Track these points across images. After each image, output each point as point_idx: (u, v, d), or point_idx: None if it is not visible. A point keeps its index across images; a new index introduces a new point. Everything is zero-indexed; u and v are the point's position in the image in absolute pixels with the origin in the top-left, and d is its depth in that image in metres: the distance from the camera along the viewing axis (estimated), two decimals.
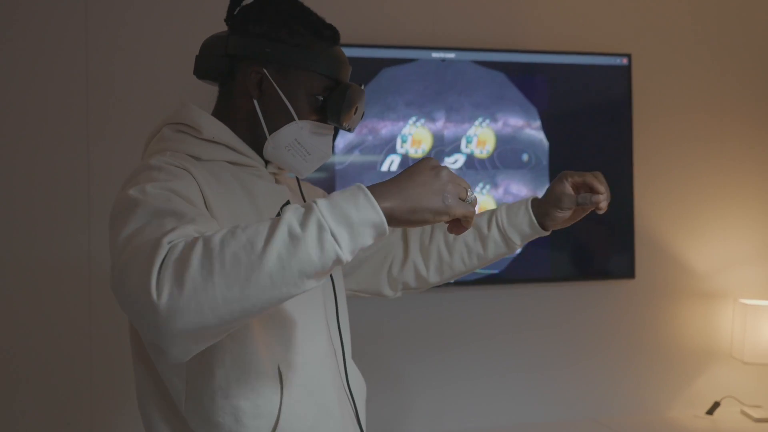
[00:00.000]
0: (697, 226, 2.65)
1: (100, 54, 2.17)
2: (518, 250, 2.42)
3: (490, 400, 2.47)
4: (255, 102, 1.18)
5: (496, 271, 2.40)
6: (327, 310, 1.26)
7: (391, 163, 2.34)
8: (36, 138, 2.13)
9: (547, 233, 1.32)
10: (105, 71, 2.18)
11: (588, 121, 2.51)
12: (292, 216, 0.83)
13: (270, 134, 1.18)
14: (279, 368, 1.11)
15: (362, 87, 1.24)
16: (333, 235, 0.82)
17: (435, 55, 2.36)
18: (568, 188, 1.25)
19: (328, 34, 1.19)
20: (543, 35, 2.52)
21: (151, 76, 2.20)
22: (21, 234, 2.12)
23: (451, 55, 2.37)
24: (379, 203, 0.85)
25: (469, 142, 2.39)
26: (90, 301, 2.15)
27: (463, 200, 0.91)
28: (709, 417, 2.55)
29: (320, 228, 0.81)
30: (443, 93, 2.36)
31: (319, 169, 2.26)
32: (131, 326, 1.16)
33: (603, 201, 1.22)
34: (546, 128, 2.45)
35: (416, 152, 2.36)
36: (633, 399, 2.60)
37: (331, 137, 1.23)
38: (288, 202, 1.24)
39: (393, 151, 2.35)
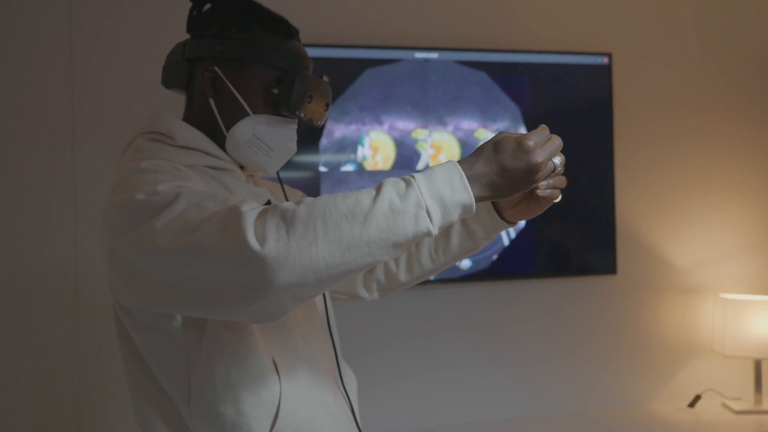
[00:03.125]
0: (677, 222, 2.69)
1: (84, 57, 2.17)
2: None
3: (475, 396, 2.49)
4: (211, 101, 1.18)
5: (486, 265, 2.43)
6: (318, 309, 1.28)
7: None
8: (21, 143, 2.13)
9: (510, 224, 1.28)
10: (90, 75, 2.18)
11: (569, 119, 2.54)
12: (392, 190, 0.91)
13: (227, 132, 1.19)
14: (274, 360, 1.12)
15: (323, 78, 1.23)
16: (428, 212, 0.91)
17: (418, 55, 2.38)
18: None
19: (281, 28, 1.19)
20: (525, 35, 2.55)
21: (136, 80, 2.20)
22: (6, 239, 2.12)
23: (434, 55, 2.39)
24: (472, 188, 0.94)
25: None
26: (77, 305, 2.15)
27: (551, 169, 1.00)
28: (690, 410, 2.58)
29: (418, 205, 0.90)
30: (426, 93, 2.39)
31: (305, 168, 2.29)
32: (119, 328, 1.16)
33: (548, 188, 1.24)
34: (528, 127, 2.48)
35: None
36: (616, 393, 2.63)
37: (294, 131, 1.23)
38: (269, 203, 1.26)
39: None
